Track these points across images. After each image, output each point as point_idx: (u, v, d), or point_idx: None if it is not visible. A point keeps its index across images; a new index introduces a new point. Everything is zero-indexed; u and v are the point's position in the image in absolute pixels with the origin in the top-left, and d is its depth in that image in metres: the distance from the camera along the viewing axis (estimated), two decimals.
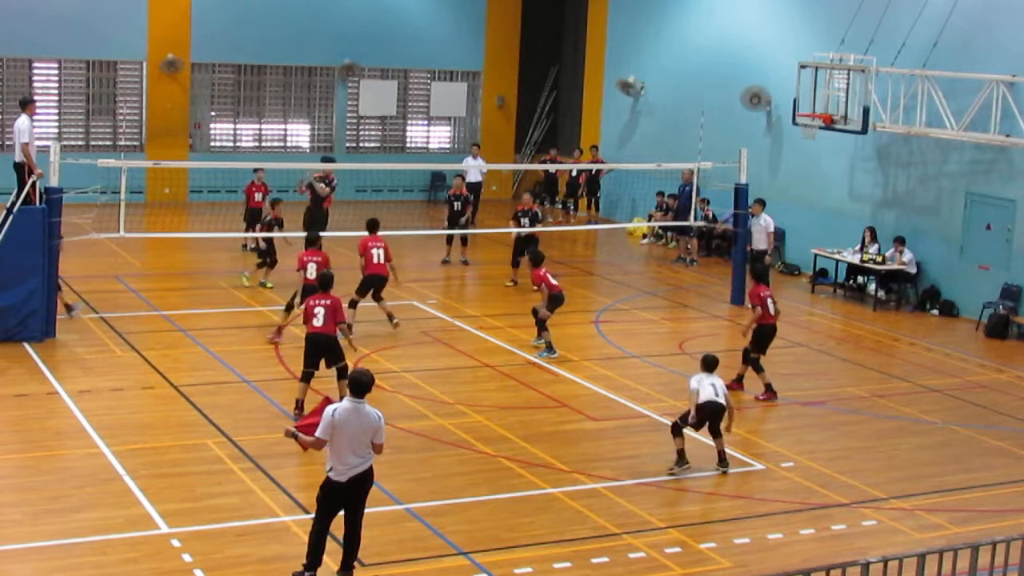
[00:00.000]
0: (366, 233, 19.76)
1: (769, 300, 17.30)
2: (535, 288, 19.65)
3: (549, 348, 18.75)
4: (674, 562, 11.78)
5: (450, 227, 24.93)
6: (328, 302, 15.21)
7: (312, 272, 17.53)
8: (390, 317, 19.51)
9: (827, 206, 26.09)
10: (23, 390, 15.99)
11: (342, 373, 14.88)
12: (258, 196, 25.03)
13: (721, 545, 12.23)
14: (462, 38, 34.32)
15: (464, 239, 25.45)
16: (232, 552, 11.49)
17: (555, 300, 18.91)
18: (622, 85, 31.54)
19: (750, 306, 17.56)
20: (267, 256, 22.38)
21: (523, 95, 35.39)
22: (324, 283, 15.56)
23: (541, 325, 18.89)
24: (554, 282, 18.96)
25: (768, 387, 17.25)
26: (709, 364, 14.63)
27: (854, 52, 23.45)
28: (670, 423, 14.66)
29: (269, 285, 22.17)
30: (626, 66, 31.77)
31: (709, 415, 14.33)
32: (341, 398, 14.67)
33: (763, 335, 17.32)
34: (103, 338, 18.62)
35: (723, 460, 14.41)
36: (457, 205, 25.06)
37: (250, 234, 23.85)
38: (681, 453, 14.37)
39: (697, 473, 14.30)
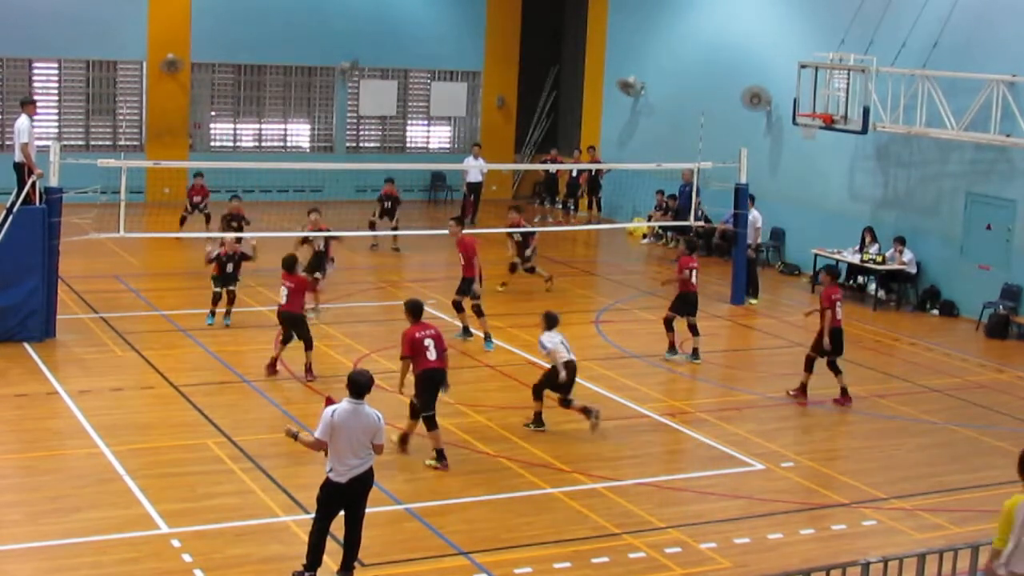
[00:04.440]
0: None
1: (842, 304, 17.10)
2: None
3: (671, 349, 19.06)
4: (674, 562, 11.78)
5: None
6: (434, 332, 13.94)
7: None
8: None
9: (827, 206, 26.08)
10: (23, 390, 15.98)
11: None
12: (196, 199, 25.86)
13: (721, 545, 12.22)
14: (462, 38, 34.30)
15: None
16: (232, 552, 11.49)
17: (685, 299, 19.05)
18: (622, 85, 31.53)
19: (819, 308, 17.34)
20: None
21: (523, 95, 35.37)
22: (415, 310, 14.05)
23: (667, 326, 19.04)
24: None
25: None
26: (552, 321, 15.17)
27: (854, 52, 23.44)
28: (531, 387, 15.27)
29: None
30: (626, 66, 31.76)
31: (573, 373, 15.01)
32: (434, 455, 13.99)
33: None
34: (103, 338, 18.63)
35: (587, 410, 15.09)
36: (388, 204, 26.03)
37: (214, 234, 22.14)
38: (539, 415, 15.11)
39: (697, 473, 14.32)
